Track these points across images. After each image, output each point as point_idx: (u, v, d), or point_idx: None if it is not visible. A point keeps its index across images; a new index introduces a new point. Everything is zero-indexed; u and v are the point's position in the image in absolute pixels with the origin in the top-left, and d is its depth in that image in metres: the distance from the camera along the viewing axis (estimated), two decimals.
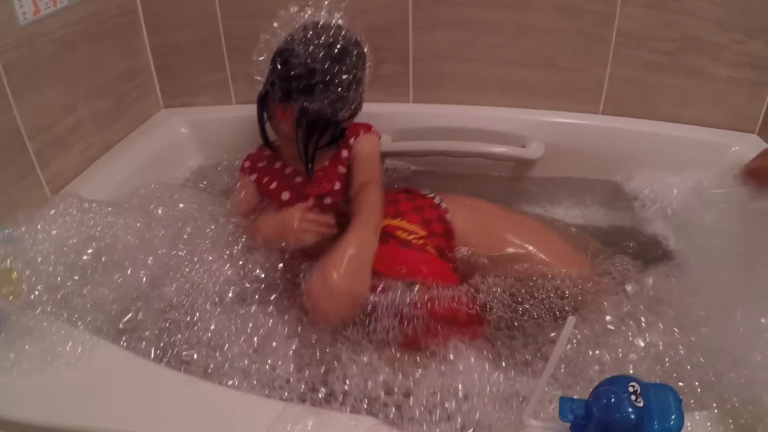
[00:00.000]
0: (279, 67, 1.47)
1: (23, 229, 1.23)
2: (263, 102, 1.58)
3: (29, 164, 1.49)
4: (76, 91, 1.65)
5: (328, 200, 1.62)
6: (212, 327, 1.26)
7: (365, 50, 1.53)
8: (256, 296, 1.38)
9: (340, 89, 1.46)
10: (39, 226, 1.26)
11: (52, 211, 1.30)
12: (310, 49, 1.43)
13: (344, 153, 1.65)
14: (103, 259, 1.29)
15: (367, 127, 1.69)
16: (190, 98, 2.05)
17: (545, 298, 1.40)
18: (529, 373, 1.18)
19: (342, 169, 1.65)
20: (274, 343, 1.25)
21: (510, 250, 1.50)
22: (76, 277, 1.23)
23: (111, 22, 1.77)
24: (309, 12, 1.51)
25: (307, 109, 1.47)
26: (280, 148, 1.68)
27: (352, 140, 1.66)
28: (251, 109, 1.60)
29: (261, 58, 1.53)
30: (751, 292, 1.18)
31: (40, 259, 1.21)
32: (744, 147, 1.75)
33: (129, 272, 1.30)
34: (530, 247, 1.50)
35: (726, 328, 1.13)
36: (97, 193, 1.54)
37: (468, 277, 1.42)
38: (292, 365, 1.21)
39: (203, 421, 0.95)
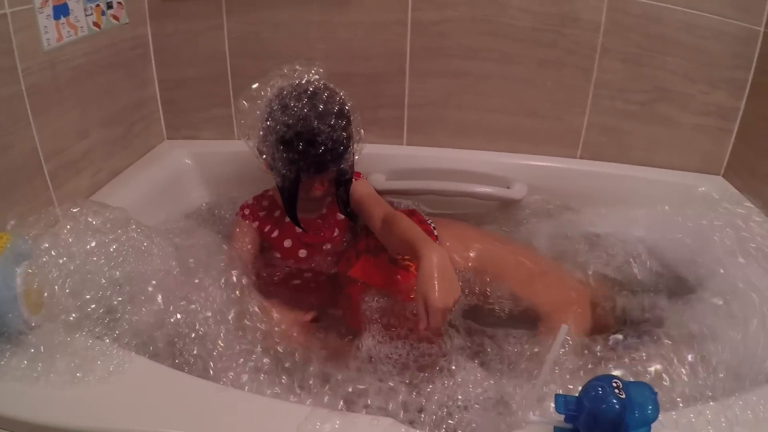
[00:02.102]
0: (304, 147, 1.46)
1: (47, 245, 1.24)
2: (296, 186, 1.54)
3: (44, 185, 1.53)
4: (90, 118, 1.71)
5: (327, 246, 1.68)
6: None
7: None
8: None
9: (357, 140, 1.56)
10: (64, 240, 1.27)
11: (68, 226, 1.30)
12: (330, 121, 1.46)
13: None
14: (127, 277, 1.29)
15: (356, 175, 1.70)
16: (193, 131, 2.11)
17: (515, 314, 1.50)
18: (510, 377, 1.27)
19: (339, 216, 1.69)
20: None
21: (489, 268, 1.59)
22: (103, 293, 1.24)
23: (124, 54, 1.84)
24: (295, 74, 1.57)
25: (345, 170, 1.54)
26: (276, 199, 1.71)
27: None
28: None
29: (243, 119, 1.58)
30: None
31: (67, 274, 1.21)
32: (709, 188, 1.87)
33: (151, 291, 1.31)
34: (510, 267, 1.60)
35: None
36: None
37: None
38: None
39: (237, 423, 1.00)
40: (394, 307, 1.46)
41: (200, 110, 2.08)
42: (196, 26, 1.96)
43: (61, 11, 1.54)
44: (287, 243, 1.67)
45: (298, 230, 1.66)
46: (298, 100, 1.47)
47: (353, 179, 1.66)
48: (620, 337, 1.42)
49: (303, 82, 1.53)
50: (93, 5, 1.66)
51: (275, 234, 1.68)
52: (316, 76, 1.56)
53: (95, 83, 1.72)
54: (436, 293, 1.24)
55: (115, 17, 1.78)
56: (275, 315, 1.43)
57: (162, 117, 2.09)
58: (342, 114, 1.49)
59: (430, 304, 1.24)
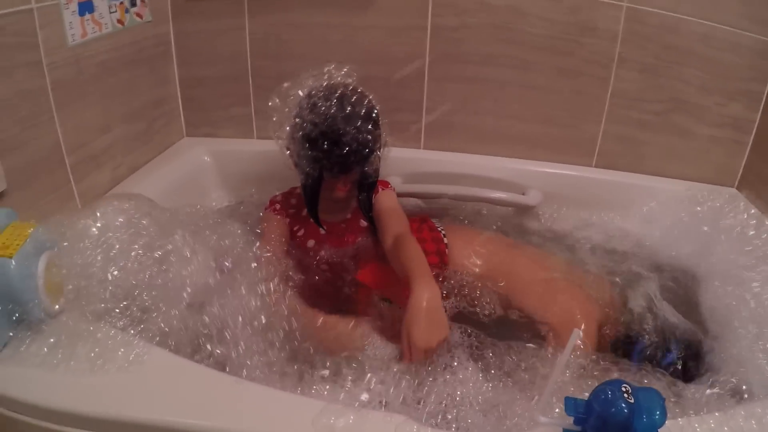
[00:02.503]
0: (329, 147, 1.47)
1: (67, 238, 1.25)
2: (318, 185, 1.56)
3: (65, 177, 1.56)
4: (112, 113, 1.73)
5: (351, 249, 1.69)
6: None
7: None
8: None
9: (383, 144, 1.56)
10: (90, 231, 1.28)
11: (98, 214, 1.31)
12: (357, 123, 1.47)
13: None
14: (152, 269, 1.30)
15: (384, 184, 1.72)
16: (212, 129, 2.14)
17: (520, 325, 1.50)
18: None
19: (363, 223, 1.70)
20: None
21: (498, 277, 1.59)
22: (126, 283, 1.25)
23: (147, 52, 1.87)
24: (326, 76, 1.58)
25: (368, 174, 1.55)
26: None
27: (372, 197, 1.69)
28: (272, 144, 1.63)
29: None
30: None
31: (91, 265, 1.23)
32: (723, 200, 1.87)
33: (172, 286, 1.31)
34: (518, 278, 1.59)
35: None
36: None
37: (452, 293, 1.53)
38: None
39: (252, 415, 1.01)
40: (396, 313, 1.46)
41: (220, 109, 2.11)
42: (217, 26, 1.98)
43: (86, 8, 1.57)
44: (310, 243, 1.68)
45: (322, 232, 1.68)
46: (326, 100, 1.48)
47: (381, 188, 1.67)
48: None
49: (334, 83, 1.54)
50: (117, 3, 1.69)
51: (301, 232, 1.69)
52: (349, 79, 1.58)
53: (118, 79, 1.74)
54: (421, 332, 1.24)
55: (139, 15, 1.80)
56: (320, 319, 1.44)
57: (182, 114, 2.12)
58: (369, 117, 1.50)
59: (413, 342, 1.24)
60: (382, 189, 1.70)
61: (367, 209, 1.62)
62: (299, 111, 1.52)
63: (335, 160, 1.48)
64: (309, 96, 1.52)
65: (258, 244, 1.57)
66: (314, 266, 1.68)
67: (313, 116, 1.48)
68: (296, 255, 1.68)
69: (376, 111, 1.53)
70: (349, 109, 1.48)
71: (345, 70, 1.57)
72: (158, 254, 1.32)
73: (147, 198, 1.47)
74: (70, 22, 1.52)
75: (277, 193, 1.77)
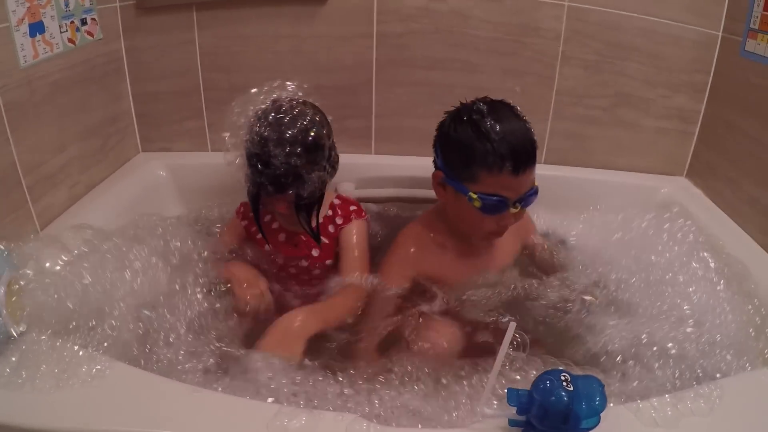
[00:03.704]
0: (261, 167, 1.49)
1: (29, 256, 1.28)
2: (257, 200, 1.59)
3: (22, 198, 1.55)
4: (67, 132, 1.73)
5: (304, 263, 1.70)
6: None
7: (326, 116, 1.61)
8: None
9: (324, 167, 1.56)
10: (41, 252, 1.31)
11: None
12: (287, 148, 1.47)
13: (330, 228, 1.70)
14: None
15: (359, 212, 1.74)
16: (167, 143, 2.14)
17: None
18: None
19: (324, 240, 1.69)
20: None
21: None
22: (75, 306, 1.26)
23: (99, 69, 1.87)
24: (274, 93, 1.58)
25: (302, 195, 1.54)
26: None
27: (339, 220, 1.71)
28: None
29: (227, 135, 1.57)
30: None
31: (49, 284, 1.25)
32: (672, 189, 1.94)
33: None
34: None
35: None
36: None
37: None
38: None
39: (210, 422, 1.04)
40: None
41: (174, 123, 2.11)
42: (168, 41, 1.98)
43: (36, 29, 1.57)
44: (267, 247, 1.70)
45: (281, 238, 1.71)
46: (264, 120, 1.50)
47: (353, 217, 1.71)
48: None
49: (282, 103, 1.54)
50: (68, 22, 1.70)
51: (260, 236, 1.70)
52: (299, 94, 1.58)
53: (71, 98, 1.74)
54: (265, 343, 1.36)
55: (90, 33, 1.81)
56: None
57: (137, 130, 2.12)
58: (304, 143, 1.50)
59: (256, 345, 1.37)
60: (355, 218, 1.71)
61: (308, 226, 1.61)
62: (247, 128, 1.54)
63: (267, 181, 1.51)
64: (255, 114, 1.54)
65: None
66: (267, 266, 1.72)
67: (250, 136, 1.51)
68: (253, 251, 1.74)
69: (313, 134, 1.52)
70: (283, 132, 1.48)
71: (292, 87, 1.59)
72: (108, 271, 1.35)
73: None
74: (22, 44, 1.52)
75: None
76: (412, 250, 1.61)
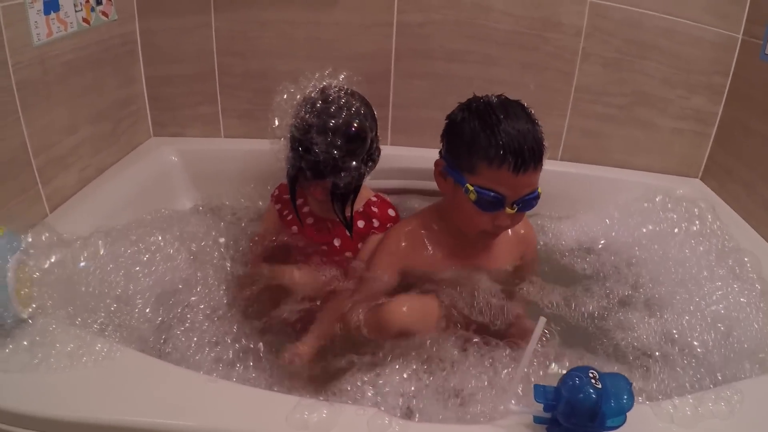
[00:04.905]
0: (303, 153, 1.52)
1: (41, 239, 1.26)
2: (294, 182, 1.62)
3: (32, 179, 1.53)
4: (79, 113, 1.71)
5: (325, 248, 1.70)
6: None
7: (373, 109, 1.62)
8: None
9: (364, 159, 1.56)
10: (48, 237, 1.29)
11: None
12: (330, 138, 1.49)
13: (360, 223, 1.69)
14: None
15: (396, 219, 1.72)
16: (179, 128, 2.12)
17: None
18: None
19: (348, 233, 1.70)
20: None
21: None
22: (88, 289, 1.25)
23: (113, 51, 1.85)
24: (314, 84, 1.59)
25: (339, 185, 1.54)
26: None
27: (375, 222, 1.69)
28: (239, 143, 1.63)
29: (276, 125, 1.58)
30: None
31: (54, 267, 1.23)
32: (688, 190, 1.92)
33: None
34: None
35: None
36: (94, 212, 1.61)
37: None
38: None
39: (227, 413, 1.02)
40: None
41: (187, 107, 2.09)
42: (183, 23, 1.96)
43: (51, 6, 1.55)
44: (294, 228, 1.72)
45: (309, 221, 1.71)
46: (311, 107, 1.52)
47: (389, 224, 1.69)
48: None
49: (331, 92, 1.55)
50: (83, 1, 1.67)
51: (290, 217, 1.73)
52: (349, 86, 1.59)
53: (84, 79, 1.73)
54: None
55: (104, 13, 1.79)
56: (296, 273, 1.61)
57: (149, 114, 2.10)
58: (346, 134, 1.51)
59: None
60: (391, 226, 1.70)
61: (342, 215, 1.62)
62: (296, 111, 1.55)
63: (306, 166, 1.52)
64: (303, 100, 1.56)
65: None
66: (293, 250, 1.72)
67: (296, 120, 1.52)
68: (282, 236, 1.74)
69: (356, 125, 1.52)
70: (327, 121, 1.50)
71: (343, 76, 1.60)
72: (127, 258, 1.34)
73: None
74: (36, 22, 1.50)
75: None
76: (402, 244, 1.58)
